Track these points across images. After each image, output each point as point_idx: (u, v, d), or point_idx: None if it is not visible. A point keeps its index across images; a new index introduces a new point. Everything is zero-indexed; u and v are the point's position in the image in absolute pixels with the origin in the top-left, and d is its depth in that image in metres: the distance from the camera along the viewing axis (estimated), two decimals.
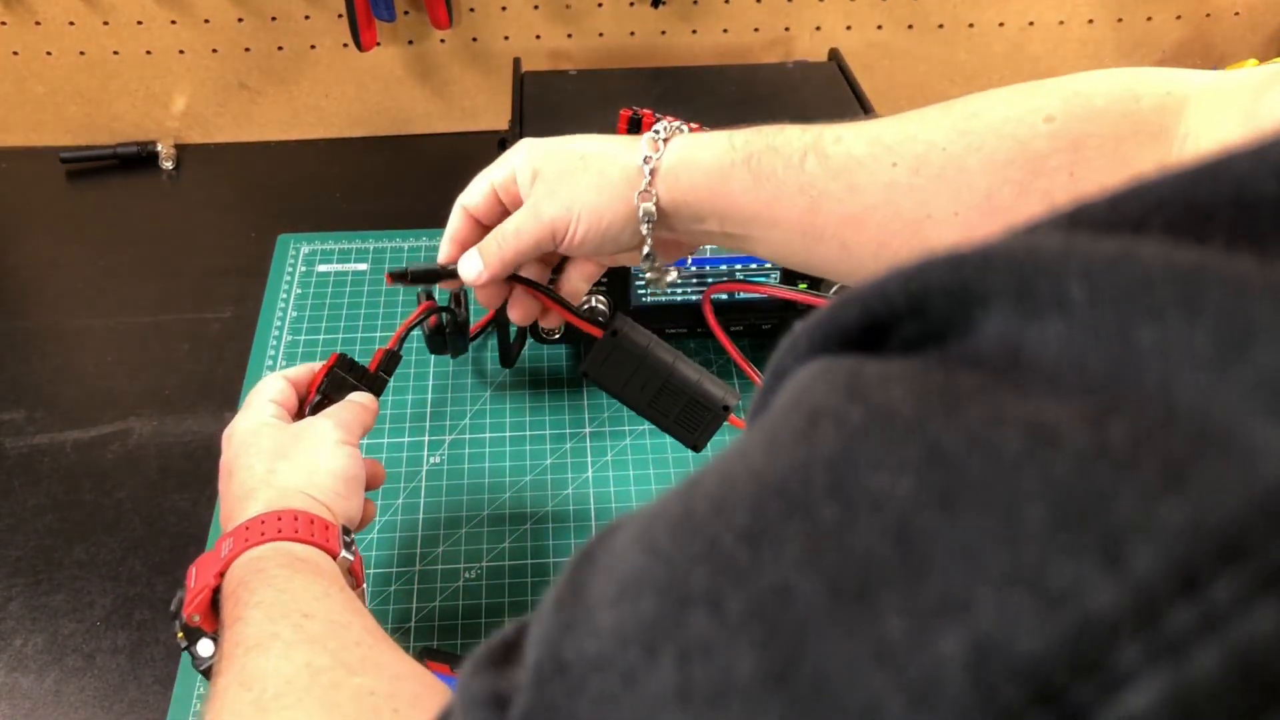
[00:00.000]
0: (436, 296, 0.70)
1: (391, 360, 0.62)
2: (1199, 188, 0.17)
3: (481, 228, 0.59)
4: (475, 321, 0.79)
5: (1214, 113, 0.43)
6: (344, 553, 0.50)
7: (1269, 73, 0.43)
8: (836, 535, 0.17)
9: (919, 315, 0.19)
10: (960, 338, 0.18)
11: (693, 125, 0.56)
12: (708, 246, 0.75)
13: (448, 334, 0.70)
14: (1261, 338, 0.14)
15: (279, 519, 0.49)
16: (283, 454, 0.53)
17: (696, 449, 0.62)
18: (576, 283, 0.61)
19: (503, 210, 0.59)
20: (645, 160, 0.53)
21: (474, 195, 0.58)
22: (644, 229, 0.55)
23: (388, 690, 0.40)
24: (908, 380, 0.18)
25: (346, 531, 0.52)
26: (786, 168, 0.52)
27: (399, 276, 0.59)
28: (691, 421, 0.61)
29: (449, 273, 0.59)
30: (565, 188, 0.55)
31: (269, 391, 0.57)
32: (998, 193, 0.46)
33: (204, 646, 0.49)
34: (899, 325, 0.19)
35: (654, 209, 0.54)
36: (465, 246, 0.58)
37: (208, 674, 0.48)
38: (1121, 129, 0.45)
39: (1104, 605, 0.14)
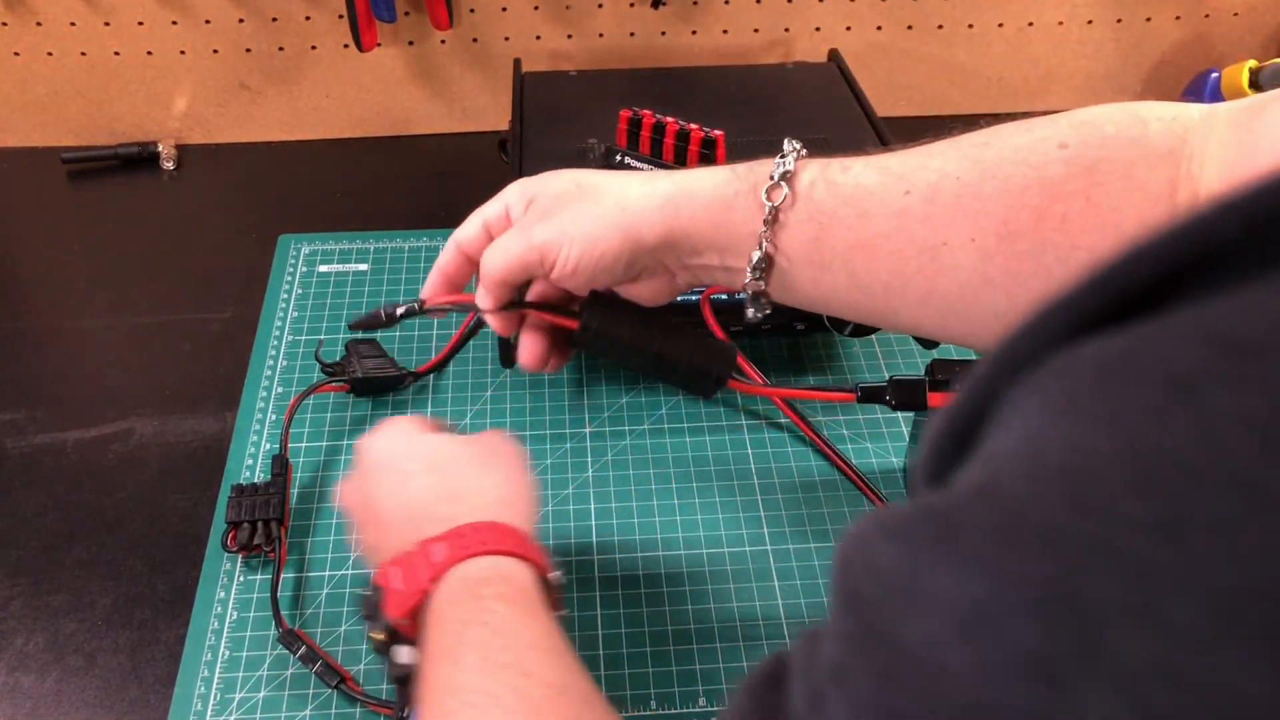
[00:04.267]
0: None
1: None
2: None
3: (471, 263, 0.58)
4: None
5: (1214, 133, 0.44)
6: (554, 571, 0.48)
7: (1264, 96, 0.44)
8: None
9: (1259, 245, 0.18)
10: (1265, 280, 0.17)
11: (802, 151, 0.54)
12: None
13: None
14: None
15: (492, 529, 0.47)
16: (486, 466, 0.52)
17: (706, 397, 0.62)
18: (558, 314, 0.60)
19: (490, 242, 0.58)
20: (769, 196, 0.51)
21: (468, 231, 0.57)
22: (751, 278, 0.53)
23: None
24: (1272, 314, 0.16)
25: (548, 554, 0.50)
26: (793, 195, 0.51)
27: (354, 326, 0.60)
28: (694, 385, 0.60)
29: (394, 319, 0.59)
30: (559, 213, 0.53)
31: (417, 418, 0.57)
32: (1014, 218, 0.46)
33: (404, 653, 0.46)
34: (1181, 284, 0.18)
35: (769, 250, 0.52)
36: (450, 279, 0.58)
37: (401, 680, 0.46)
38: (1132, 154, 0.45)
39: None
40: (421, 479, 0.51)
